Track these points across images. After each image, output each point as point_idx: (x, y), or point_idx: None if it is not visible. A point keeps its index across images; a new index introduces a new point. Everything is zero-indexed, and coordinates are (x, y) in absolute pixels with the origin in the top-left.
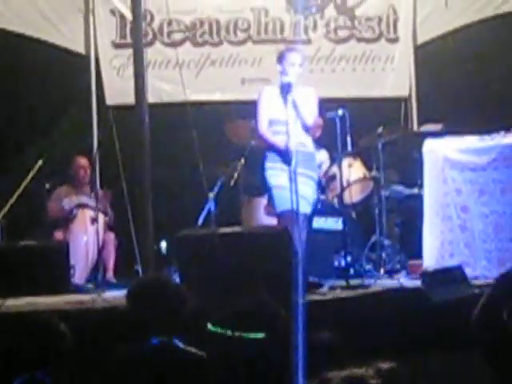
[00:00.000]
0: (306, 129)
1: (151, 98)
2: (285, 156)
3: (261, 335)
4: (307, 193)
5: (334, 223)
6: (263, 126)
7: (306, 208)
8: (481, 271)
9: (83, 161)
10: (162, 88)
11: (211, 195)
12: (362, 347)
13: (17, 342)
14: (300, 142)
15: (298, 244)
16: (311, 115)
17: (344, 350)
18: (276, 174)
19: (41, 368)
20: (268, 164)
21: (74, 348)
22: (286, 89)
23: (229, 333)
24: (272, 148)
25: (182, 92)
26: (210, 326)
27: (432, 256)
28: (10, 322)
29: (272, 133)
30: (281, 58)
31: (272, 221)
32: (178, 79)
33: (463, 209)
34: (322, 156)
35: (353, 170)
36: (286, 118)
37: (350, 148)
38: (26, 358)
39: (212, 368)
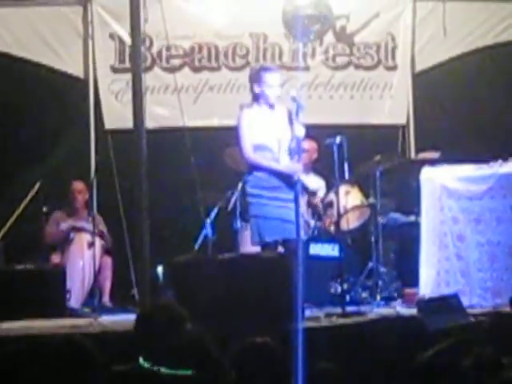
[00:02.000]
0: (296, 151)
1: (149, 123)
2: (286, 180)
3: (189, 372)
4: (292, 216)
5: (330, 250)
6: (250, 151)
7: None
8: (477, 300)
9: (80, 185)
10: (161, 113)
11: (208, 220)
12: (358, 374)
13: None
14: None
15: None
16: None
17: (341, 377)
18: (258, 202)
19: None
20: (249, 190)
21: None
22: (293, 102)
23: (158, 369)
24: (256, 170)
25: (180, 117)
26: (141, 360)
27: (428, 284)
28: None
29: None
30: (257, 79)
31: None
32: (177, 104)
33: (459, 237)
34: (319, 183)
35: (350, 197)
36: (276, 139)
37: (347, 175)
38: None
39: None
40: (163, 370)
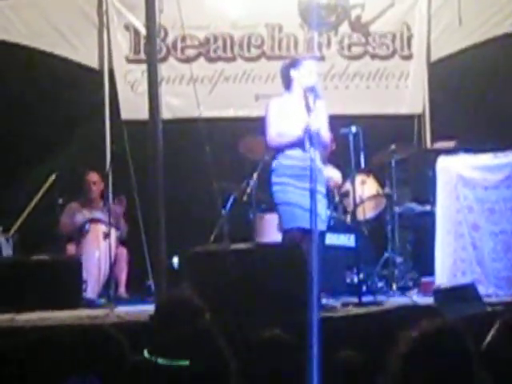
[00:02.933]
0: (320, 143)
1: (165, 114)
2: (301, 144)
3: (186, 363)
4: (318, 209)
5: (346, 240)
6: (273, 134)
7: (319, 225)
8: (493, 289)
9: (95, 176)
10: (176, 104)
11: (224, 211)
12: (374, 363)
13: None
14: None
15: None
16: (325, 128)
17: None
18: (282, 189)
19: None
20: (275, 179)
21: (130, 356)
22: (310, 92)
23: (158, 360)
24: (282, 154)
25: (196, 108)
26: (145, 353)
27: (444, 273)
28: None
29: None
30: (296, 65)
31: None
32: (192, 95)
33: (474, 227)
34: (334, 173)
35: (366, 187)
36: (305, 123)
37: (363, 165)
38: (81, 363)
39: None
40: (167, 361)
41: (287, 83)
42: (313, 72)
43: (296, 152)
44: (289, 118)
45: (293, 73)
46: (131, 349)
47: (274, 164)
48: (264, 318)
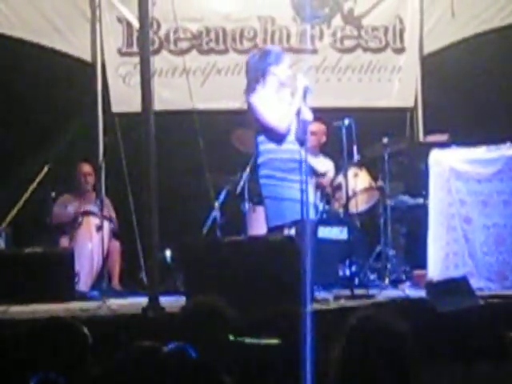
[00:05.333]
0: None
1: (157, 106)
2: (285, 137)
3: (275, 341)
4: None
5: (339, 233)
6: (277, 121)
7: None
8: (485, 283)
9: (87, 167)
10: (168, 96)
11: (216, 204)
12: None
13: (35, 342)
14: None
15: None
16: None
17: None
18: (269, 183)
19: (57, 369)
20: (261, 172)
21: (95, 351)
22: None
23: (246, 340)
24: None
25: (188, 100)
26: (230, 336)
27: (437, 266)
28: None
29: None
30: (279, 60)
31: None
32: (185, 87)
33: (466, 220)
34: (327, 165)
35: (358, 180)
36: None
37: (355, 158)
38: (45, 360)
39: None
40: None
41: (261, 77)
42: (288, 67)
43: (280, 145)
44: (272, 111)
45: (273, 69)
46: (124, 340)
47: (260, 158)
48: (257, 309)
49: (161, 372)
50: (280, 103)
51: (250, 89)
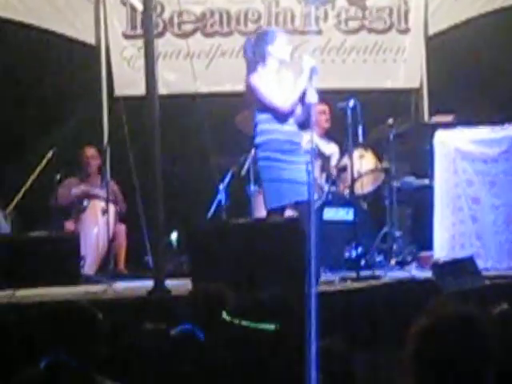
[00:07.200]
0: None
1: (161, 89)
2: (286, 118)
3: (273, 327)
4: (303, 179)
5: (344, 214)
6: (280, 101)
7: (306, 195)
8: (492, 263)
9: (92, 151)
10: (173, 79)
11: (221, 186)
12: (372, 338)
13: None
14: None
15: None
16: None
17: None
18: (268, 165)
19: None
20: (260, 154)
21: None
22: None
23: (242, 323)
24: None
25: (193, 83)
26: (224, 315)
27: (443, 247)
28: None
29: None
30: (272, 40)
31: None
32: (189, 70)
33: (474, 200)
34: (332, 149)
35: (364, 161)
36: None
37: (361, 139)
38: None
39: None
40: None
41: (260, 58)
42: (286, 44)
43: (281, 126)
44: (274, 91)
45: (270, 48)
46: (130, 323)
47: (258, 138)
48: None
49: (170, 353)
50: (281, 83)
51: (250, 69)
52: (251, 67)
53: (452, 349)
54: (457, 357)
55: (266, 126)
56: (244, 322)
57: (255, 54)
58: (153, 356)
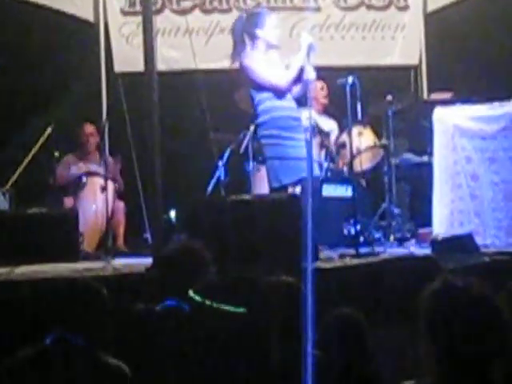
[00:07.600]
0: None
1: (160, 66)
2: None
3: (241, 310)
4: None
5: (343, 191)
6: (277, 79)
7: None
8: (491, 240)
9: (91, 128)
10: (171, 56)
11: (220, 163)
12: (372, 315)
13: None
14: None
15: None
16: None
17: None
18: (271, 142)
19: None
20: (263, 132)
21: (113, 311)
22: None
23: (208, 303)
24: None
25: (192, 60)
26: (191, 293)
27: (442, 224)
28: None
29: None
30: (260, 23)
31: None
32: (188, 47)
33: (473, 177)
34: (331, 125)
35: (363, 138)
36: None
37: (359, 116)
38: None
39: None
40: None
41: (249, 40)
42: (274, 27)
43: (281, 102)
44: (266, 71)
45: (259, 32)
46: (128, 300)
47: (260, 118)
48: (265, 266)
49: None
50: (269, 65)
51: (238, 50)
52: (239, 48)
53: (464, 309)
54: (469, 316)
55: (267, 104)
56: (214, 304)
57: (243, 36)
58: (141, 333)
